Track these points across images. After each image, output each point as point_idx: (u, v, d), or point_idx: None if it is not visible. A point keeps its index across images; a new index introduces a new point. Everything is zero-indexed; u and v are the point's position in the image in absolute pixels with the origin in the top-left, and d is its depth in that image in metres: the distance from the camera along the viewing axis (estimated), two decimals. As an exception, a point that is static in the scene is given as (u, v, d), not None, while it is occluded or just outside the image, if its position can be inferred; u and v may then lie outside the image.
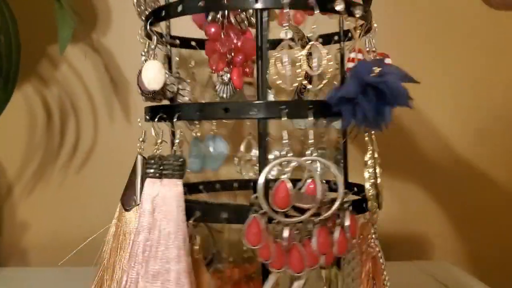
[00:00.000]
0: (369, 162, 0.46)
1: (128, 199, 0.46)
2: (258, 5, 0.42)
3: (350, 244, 0.48)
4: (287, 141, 0.42)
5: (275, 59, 0.43)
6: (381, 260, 0.48)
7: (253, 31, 0.49)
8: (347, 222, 0.43)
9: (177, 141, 0.46)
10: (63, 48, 0.67)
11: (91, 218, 0.84)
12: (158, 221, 0.42)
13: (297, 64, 0.43)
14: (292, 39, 0.43)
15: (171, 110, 0.45)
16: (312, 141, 0.43)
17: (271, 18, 0.60)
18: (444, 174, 0.91)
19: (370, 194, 0.45)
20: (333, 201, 0.42)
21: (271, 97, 0.61)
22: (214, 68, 0.56)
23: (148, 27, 0.50)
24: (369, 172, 0.46)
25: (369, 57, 0.49)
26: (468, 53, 0.91)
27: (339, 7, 0.43)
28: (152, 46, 0.49)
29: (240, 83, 0.55)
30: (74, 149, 0.88)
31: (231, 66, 0.55)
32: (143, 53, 0.49)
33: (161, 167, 0.43)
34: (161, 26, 0.59)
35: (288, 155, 0.42)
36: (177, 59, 0.60)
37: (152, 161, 0.44)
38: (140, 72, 0.47)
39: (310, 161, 0.43)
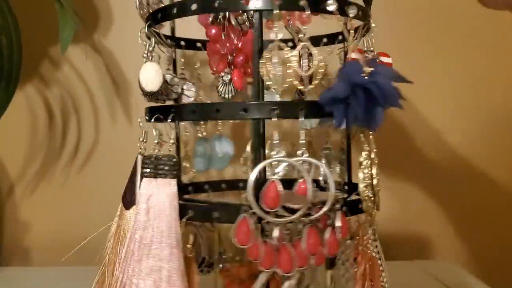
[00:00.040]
0: (364, 163, 0.45)
1: (128, 198, 0.47)
2: (250, 7, 0.42)
3: (342, 245, 0.48)
4: (278, 141, 0.42)
5: (265, 59, 0.42)
6: (379, 261, 0.47)
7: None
8: (338, 223, 0.42)
9: (171, 141, 0.47)
10: (64, 48, 0.68)
11: (92, 218, 0.84)
12: (152, 220, 0.43)
13: (287, 64, 0.42)
14: (282, 40, 0.43)
15: (166, 110, 0.46)
16: (304, 141, 0.43)
17: (277, 19, 0.60)
18: (444, 174, 0.91)
19: (365, 195, 0.45)
20: (325, 202, 0.42)
21: (276, 97, 0.61)
22: (214, 69, 0.56)
23: (147, 29, 0.51)
24: (363, 173, 0.45)
25: (367, 57, 0.48)
26: (468, 53, 0.91)
27: (332, 7, 0.42)
28: (150, 48, 0.49)
29: (240, 83, 0.55)
30: (76, 149, 0.88)
31: (232, 67, 0.56)
32: (145, 55, 0.50)
33: (156, 167, 0.44)
34: (167, 27, 0.59)
35: (279, 155, 0.42)
36: (182, 60, 0.61)
37: (148, 161, 0.44)
38: None
39: (301, 161, 0.42)
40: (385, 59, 0.52)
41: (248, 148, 0.65)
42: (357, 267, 0.48)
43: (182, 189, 0.60)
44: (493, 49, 0.91)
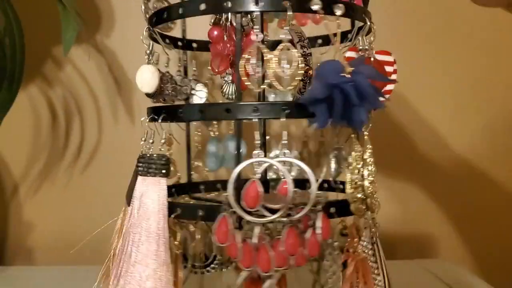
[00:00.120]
0: (354, 164, 0.45)
1: (129, 195, 0.48)
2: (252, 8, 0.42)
3: (329, 246, 0.48)
4: (259, 141, 0.43)
5: (245, 60, 0.43)
6: (374, 264, 0.47)
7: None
8: (318, 224, 0.42)
9: (162, 140, 0.48)
10: (67, 50, 0.68)
11: (95, 218, 0.83)
12: (142, 216, 0.44)
13: (267, 65, 0.42)
14: (263, 41, 0.43)
15: (173, 110, 0.46)
16: (286, 141, 0.43)
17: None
18: (444, 174, 0.91)
19: (352, 197, 0.44)
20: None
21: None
22: (216, 70, 0.56)
23: (150, 30, 0.51)
24: (352, 174, 0.45)
25: (362, 55, 0.48)
26: (468, 53, 0.91)
27: (316, 6, 0.42)
28: (148, 51, 0.50)
29: (242, 84, 0.56)
30: (79, 149, 0.89)
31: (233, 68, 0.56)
32: (146, 56, 0.51)
33: (148, 166, 0.46)
34: (177, 30, 0.60)
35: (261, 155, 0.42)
36: (194, 61, 0.62)
37: (142, 160, 0.46)
38: None
39: (283, 162, 0.42)
40: (386, 58, 0.52)
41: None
42: (343, 269, 0.47)
43: (183, 188, 0.61)
44: (493, 49, 0.91)
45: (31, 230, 0.89)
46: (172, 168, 0.59)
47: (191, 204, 0.49)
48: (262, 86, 0.44)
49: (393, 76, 0.51)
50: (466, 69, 0.91)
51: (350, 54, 0.49)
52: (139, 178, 0.46)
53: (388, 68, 0.50)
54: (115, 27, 0.88)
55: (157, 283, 0.43)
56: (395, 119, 0.90)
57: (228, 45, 0.55)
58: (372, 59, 0.48)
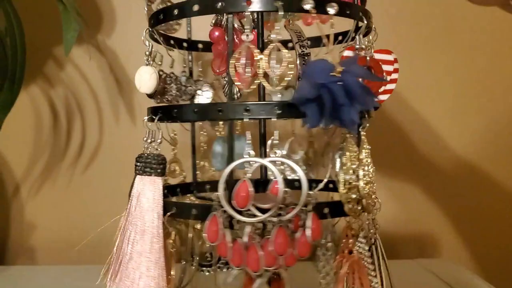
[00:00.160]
0: (348, 164, 0.44)
1: (130, 194, 0.48)
2: (251, 8, 0.43)
3: (323, 247, 0.48)
4: (249, 141, 0.43)
5: (234, 60, 0.43)
6: (371, 266, 0.46)
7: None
8: (308, 224, 0.42)
9: (158, 140, 0.48)
10: (68, 50, 0.68)
11: (97, 217, 0.84)
12: (138, 214, 0.45)
13: (257, 64, 0.43)
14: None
15: (168, 110, 0.46)
16: (277, 141, 0.43)
17: (297, 18, 0.60)
18: (445, 174, 0.91)
19: (346, 197, 0.44)
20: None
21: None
22: (217, 70, 0.57)
23: (150, 31, 0.51)
24: (345, 174, 0.44)
25: (358, 54, 0.48)
26: (469, 53, 0.91)
27: (308, 6, 0.41)
28: (147, 52, 0.51)
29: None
30: (80, 149, 0.89)
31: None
32: (145, 57, 0.52)
33: (145, 165, 0.47)
34: (182, 31, 0.60)
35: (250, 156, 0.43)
36: (200, 62, 0.63)
37: (140, 159, 0.47)
38: None
39: (274, 162, 0.42)
40: (385, 56, 0.52)
41: (268, 148, 0.65)
42: (336, 270, 0.47)
43: (188, 188, 0.61)
44: (494, 49, 0.91)
45: (32, 229, 0.90)
46: (177, 168, 0.61)
47: (185, 203, 0.50)
48: (252, 87, 0.44)
49: (394, 75, 0.51)
50: (467, 69, 0.91)
51: (348, 53, 0.49)
52: (137, 177, 0.47)
53: (388, 67, 0.50)
54: (116, 27, 0.88)
55: (150, 280, 0.44)
56: (396, 119, 0.90)
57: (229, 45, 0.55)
58: (368, 58, 0.47)
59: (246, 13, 0.42)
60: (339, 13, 0.43)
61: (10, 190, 0.89)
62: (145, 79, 0.50)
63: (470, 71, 0.91)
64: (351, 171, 0.44)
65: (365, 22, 0.47)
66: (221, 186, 0.41)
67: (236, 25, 0.53)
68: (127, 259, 0.45)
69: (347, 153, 0.45)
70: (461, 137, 0.91)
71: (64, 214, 0.89)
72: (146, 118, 0.48)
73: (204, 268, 0.63)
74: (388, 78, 0.49)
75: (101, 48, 0.88)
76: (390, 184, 0.90)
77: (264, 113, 0.42)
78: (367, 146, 0.45)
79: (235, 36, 0.54)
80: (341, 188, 0.44)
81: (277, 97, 0.61)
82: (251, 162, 0.42)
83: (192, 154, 0.62)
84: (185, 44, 0.61)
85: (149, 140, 0.48)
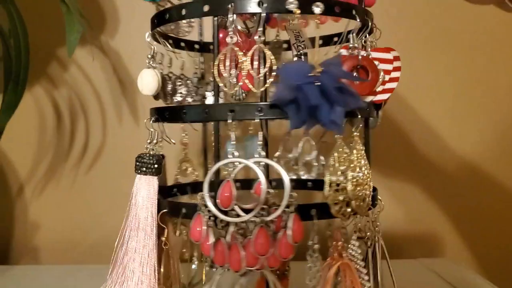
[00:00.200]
0: (336, 165, 0.44)
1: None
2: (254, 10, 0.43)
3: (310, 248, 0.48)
4: (234, 142, 0.44)
5: (219, 61, 0.43)
6: (364, 269, 0.46)
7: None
8: (289, 225, 0.41)
9: (154, 140, 0.49)
10: (71, 51, 0.68)
11: (100, 217, 0.85)
12: (134, 213, 0.47)
13: (241, 66, 0.43)
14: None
15: (176, 111, 0.47)
16: (261, 142, 0.43)
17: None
18: (447, 174, 0.91)
19: (332, 199, 0.43)
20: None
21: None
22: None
23: (153, 32, 0.52)
24: (331, 175, 0.43)
25: (352, 53, 0.47)
26: (469, 53, 0.90)
27: (291, 6, 0.41)
28: (150, 55, 0.52)
29: (246, 85, 0.56)
30: (84, 149, 0.89)
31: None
32: (148, 60, 0.52)
33: (142, 165, 0.48)
34: (194, 33, 0.61)
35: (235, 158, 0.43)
36: (210, 64, 0.63)
37: (138, 159, 0.48)
38: None
39: (257, 163, 0.43)
40: (384, 55, 0.51)
41: (280, 148, 0.65)
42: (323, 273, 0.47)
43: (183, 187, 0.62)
44: (494, 49, 0.91)
45: (36, 229, 0.90)
46: (189, 167, 0.63)
47: (175, 202, 0.51)
48: (235, 88, 0.45)
49: (394, 74, 0.50)
50: (467, 69, 0.91)
51: (343, 52, 0.49)
52: (137, 176, 0.48)
53: (386, 66, 0.49)
54: (119, 28, 0.89)
55: (143, 276, 0.45)
56: (396, 119, 0.90)
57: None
58: (360, 57, 0.47)
59: (230, 16, 0.42)
60: (326, 12, 0.42)
61: (14, 190, 0.90)
62: (147, 82, 0.51)
63: (470, 71, 0.91)
64: (339, 172, 0.44)
65: (358, 20, 0.46)
66: (206, 185, 0.42)
67: (239, 27, 0.53)
68: (122, 256, 0.46)
69: (335, 154, 0.44)
70: (461, 137, 0.91)
71: (68, 214, 0.89)
72: (145, 120, 0.49)
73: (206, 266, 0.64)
74: (387, 77, 0.49)
75: (104, 49, 0.88)
76: (390, 184, 0.90)
77: (247, 114, 0.42)
78: (360, 147, 0.45)
79: (238, 37, 0.55)
80: (326, 189, 0.44)
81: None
82: (235, 163, 0.43)
83: (204, 155, 0.63)
84: (196, 46, 0.61)
85: (148, 140, 0.49)
